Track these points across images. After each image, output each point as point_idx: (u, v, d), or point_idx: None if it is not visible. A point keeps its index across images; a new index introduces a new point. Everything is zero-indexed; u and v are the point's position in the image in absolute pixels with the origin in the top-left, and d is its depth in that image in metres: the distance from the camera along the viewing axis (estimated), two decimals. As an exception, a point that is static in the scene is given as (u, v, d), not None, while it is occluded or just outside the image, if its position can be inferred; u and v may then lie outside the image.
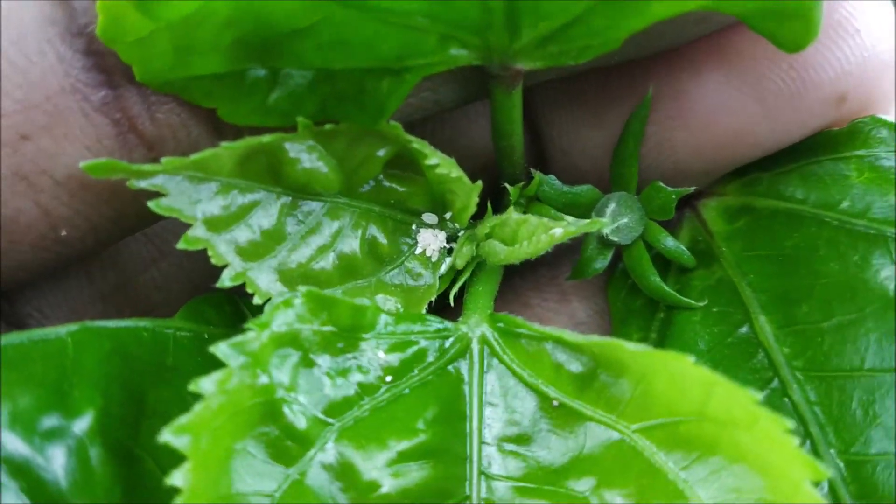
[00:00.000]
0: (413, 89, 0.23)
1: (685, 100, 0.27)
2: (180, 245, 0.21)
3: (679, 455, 0.20)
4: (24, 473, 0.20)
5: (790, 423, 0.20)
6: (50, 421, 0.20)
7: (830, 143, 0.26)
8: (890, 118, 0.26)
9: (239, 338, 0.20)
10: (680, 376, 0.20)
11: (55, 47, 0.22)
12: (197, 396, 0.19)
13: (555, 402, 0.22)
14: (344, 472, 0.21)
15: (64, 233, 0.24)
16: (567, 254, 0.28)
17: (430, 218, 0.24)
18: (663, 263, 0.27)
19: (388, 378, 0.22)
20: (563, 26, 0.21)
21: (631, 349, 0.21)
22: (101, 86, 0.23)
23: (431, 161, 0.22)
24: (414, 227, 0.24)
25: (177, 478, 0.18)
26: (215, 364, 0.20)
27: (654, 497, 0.20)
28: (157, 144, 0.24)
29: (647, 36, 0.25)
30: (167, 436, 0.18)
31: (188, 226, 0.21)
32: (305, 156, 0.22)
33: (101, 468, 0.21)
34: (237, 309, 0.24)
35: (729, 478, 0.20)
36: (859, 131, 0.26)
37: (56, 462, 0.20)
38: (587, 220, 0.22)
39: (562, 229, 0.22)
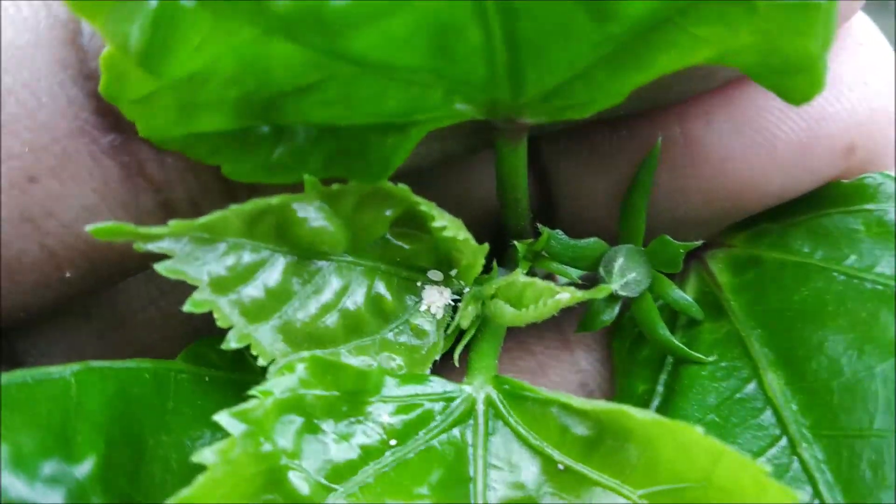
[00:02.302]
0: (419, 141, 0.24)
1: (697, 148, 0.27)
2: (186, 308, 0.21)
3: None
4: None
5: (801, 494, 0.20)
6: (52, 465, 0.21)
7: (839, 195, 0.27)
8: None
9: (242, 406, 0.20)
10: (687, 444, 0.21)
11: (66, 90, 0.23)
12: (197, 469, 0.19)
13: (560, 466, 0.22)
14: None
15: (68, 274, 0.24)
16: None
17: (435, 275, 0.25)
18: (671, 315, 0.28)
19: (393, 442, 0.22)
20: (567, 81, 0.22)
21: (638, 416, 0.21)
22: (110, 129, 0.23)
23: (439, 223, 0.23)
24: (419, 284, 0.25)
25: None
26: (216, 408, 0.21)
27: None
28: (165, 188, 0.24)
29: (655, 89, 0.25)
30: None
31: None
32: (313, 216, 0.22)
33: None
34: (238, 352, 0.24)
35: None
36: (868, 185, 0.26)
37: None
38: (594, 288, 0.22)
39: (568, 294, 0.22)
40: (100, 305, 0.29)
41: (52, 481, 0.20)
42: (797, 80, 0.22)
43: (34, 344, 0.29)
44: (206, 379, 0.23)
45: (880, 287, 0.25)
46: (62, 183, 0.23)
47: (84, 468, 0.21)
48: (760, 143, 0.26)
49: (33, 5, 0.23)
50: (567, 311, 0.30)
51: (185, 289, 0.22)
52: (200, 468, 0.20)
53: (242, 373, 0.23)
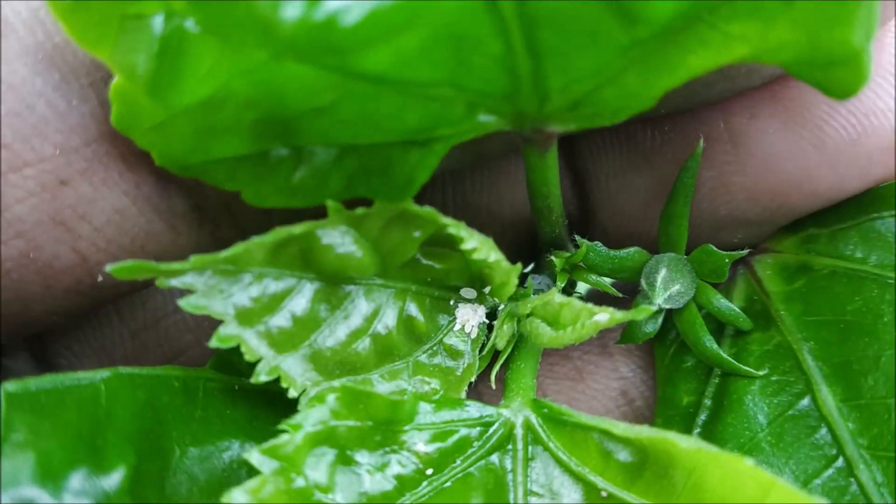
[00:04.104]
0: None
1: (742, 144, 0.26)
2: (213, 344, 0.21)
3: None
4: None
5: None
6: (80, 477, 0.20)
7: (892, 197, 0.25)
8: None
9: (272, 442, 0.20)
10: (735, 473, 0.20)
11: (97, 92, 0.22)
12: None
13: (603, 493, 0.21)
14: None
15: (100, 278, 0.24)
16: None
17: (468, 293, 0.24)
18: (717, 325, 0.27)
19: (429, 471, 0.22)
20: (594, 88, 0.20)
21: (683, 445, 0.20)
22: None
23: (469, 244, 0.22)
24: (452, 302, 0.24)
25: None
26: (245, 417, 0.20)
27: None
28: (198, 191, 0.24)
29: (698, 87, 0.24)
30: None
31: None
32: (339, 241, 0.22)
33: None
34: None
35: None
36: None
37: None
38: (634, 309, 0.22)
39: (608, 315, 0.22)
40: (132, 307, 0.29)
41: (79, 493, 0.20)
42: (840, 73, 0.21)
43: (67, 346, 0.29)
44: (236, 388, 0.23)
45: None
46: (94, 186, 0.22)
47: (113, 480, 0.21)
48: (808, 139, 0.25)
49: None
50: (608, 334, 0.30)
51: None
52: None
53: (272, 382, 0.23)
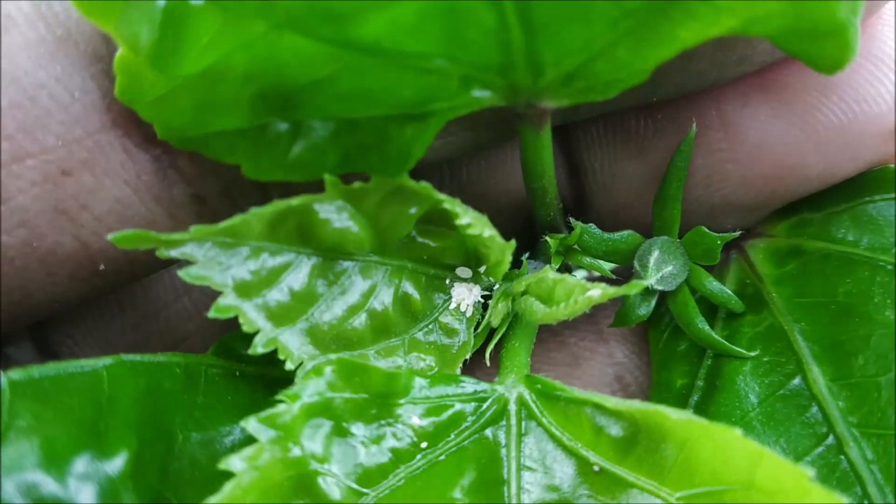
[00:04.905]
0: (442, 132, 0.23)
1: (734, 131, 0.26)
2: (211, 314, 0.21)
3: None
4: None
5: (849, 495, 0.20)
6: (83, 461, 0.21)
7: (884, 181, 0.26)
8: None
9: (269, 411, 0.20)
10: (725, 445, 0.20)
11: (98, 84, 0.23)
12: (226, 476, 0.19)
13: (595, 468, 0.22)
14: None
15: (102, 267, 0.24)
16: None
17: (463, 272, 0.24)
18: (709, 308, 0.27)
19: (424, 444, 0.22)
20: (586, 61, 0.21)
21: (674, 417, 0.20)
22: (142, 122, 0.23)
23: (464, 220, 0.22)
24: (448, 281, 0.24)
25: None
26: (246, 403, 0.21)
27: None
28: (198, 180, 0.24)
29: (690, 75, 0.25)
30: None
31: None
32: (335, 216, 0.22)
33: None
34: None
35: None
36: None
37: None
38: (626, 284, 0.22)
39: (600, 291, 0.22)
40: (133, 296, 0.29)
41: (83, 478, 0.20)
42: (827, 45, 0.21)
43: (69, 335, 0.30)
44: (237, 374, 0.23)
45: None
46: (95, 176, 0.23)
47: (115, 464, 0.21)
48: (799, 125, 0.26)
49: (64, 3, 0.23)
50: (602, 304, 0.30)
51: None
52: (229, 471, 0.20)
53: (272, 367, 0.23)
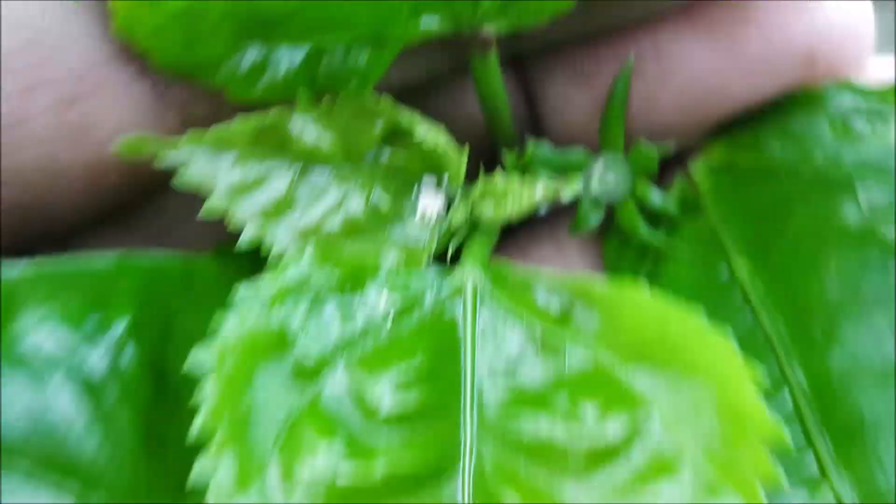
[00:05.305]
0: (401, 61, 0.27)
1: (668, 62, 0.30)
2: (202, 214, 0.25)
3: (644, 373, 0.24)
4: (69, 364, 0.24)
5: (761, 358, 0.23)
6: (94, 320, 0.25)
7: (805, 102, 0.30)
8: (860, 82, 0.29)
9: (255, 283, 0.24)
10: (641, 308, 0.24)
11: (100, 25, 0.27)
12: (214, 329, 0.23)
13: (539, 335, 0.25)
14: (352, 395, 0.24)
15: (111, 183, 0.28)
16: (567, 213, 0.31)
17: (428, 182, 0.28)
18: (654, 219, 0.31)
19: (390, 319, 0.26)
20: None
21: (599, 285, 0.24)
22: (136, 57, 0.27)
23: (419, 133, 0.26)
24: (414, 190, 0.28)
25: (204, 389, 0.22)
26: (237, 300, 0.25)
27: (621, 409, 0.24)
28: (188, 107, 0.28)
29: (621, 10, 0.29)
30: (195, 354, 0.22)
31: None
32: (310, 129, 0.26)
33: (135, 367, 0.25)
34: (257, 255, 0.27)
35: (686, 390, 0.23)
36: (829, 93, 0.29)
37: (97, 356, 0.24)
38: (566, 179, 0.26)
39: (541, 189, 0.26)
40: (142, 219, 0.33)
41: (95, 332, 0.24)
42: None
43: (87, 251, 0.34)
44: (230, 274, 0.27)
45: (841, 180, 0.28)
46: (100, 103, 0.27)
47: (120, 327, 0.25)
48: (725, 54, 0.29)
49: None
50: (563, 225, 0.34)
51: None
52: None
53: (260, 271, 0.27)
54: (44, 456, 0.23)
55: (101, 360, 0.24)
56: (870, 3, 0.30)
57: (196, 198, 0.33)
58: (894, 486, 0.24)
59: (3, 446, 0.22)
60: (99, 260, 0.25)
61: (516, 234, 0.32)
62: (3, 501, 0.22)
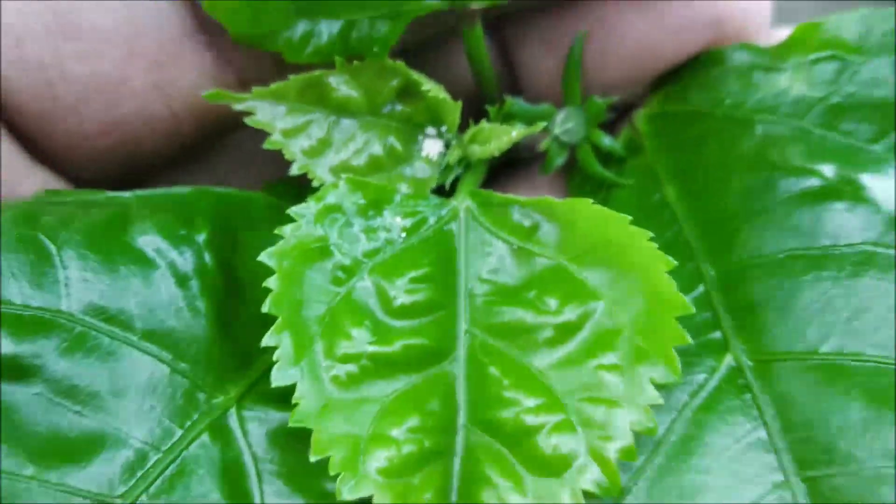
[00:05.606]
0: (412, 30, 0.34)
1: (613, 31, 0.37)
2: (265, 146, 0.32)
3: (592, 270, 0.29)
4: (166, 263, 0.31)
5: (653, 235, 0.30)
6: (182, 232, 0.31)
7: (717, 59, 0.36)
8: (758, 42, 0.36)
9: (304, 204, 0.31)
10: (590, 216, 0.30)
11: (177, 10, 0.34)
12: (278, 237, 0.30)
13: (514, 246, 0.31)
14: (375, 292, 0.30)
15: (185, 128, 0.35)
16: (539, 159, 0.39)
17: (431, 130, 0.35)
18: (606, 158, 0.38)
19: (402, 235, 0.31)
20: None
21: (558, 202, 0.31)
22: (205, 31, 0.34)
23: (425, 87, 0.33)
24: (420, 136, 0.35)
25: (270, 282, 0.27)
26: (286, 222, 0.30)
27: (576, 299, 0.29)
28: (243, 69, 0.35)
29: None
30: (263, 257, 0.28)
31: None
32: (343, 87, 0.33)
33: (213, 266, 0.31)
34: (300, 192, 0.34)
35: (623, 282, 0.29)
36: (734, 52, 0.36)
37: (185, 258, 0.30)
38: (535, 125, 0.34)
39: (516, 132, 0.34)
40: (210, 163, 0.40)
41: (183, 242, 0.30)
42: None
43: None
44: (279, 203, 0.34)
45: (746, 118, 0.34)
46: (179, 67, 0.34)
47: (200, 237, 0.31)
48: (654, 23, 0.36)
49: None
50: (536, 169, 0.40)
51: (267, 153, 0.33)
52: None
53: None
54: (148, 330, 0.29)
55: (187, 262, 0.31)
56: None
57: (247, 153, 0.40)
58: (776, 348, 0.29)
59: (121, 319, 0.29)
60: (182, 190, 0.33)
61: (499, 180, 0.39)
62: (123, 367, 0.30)
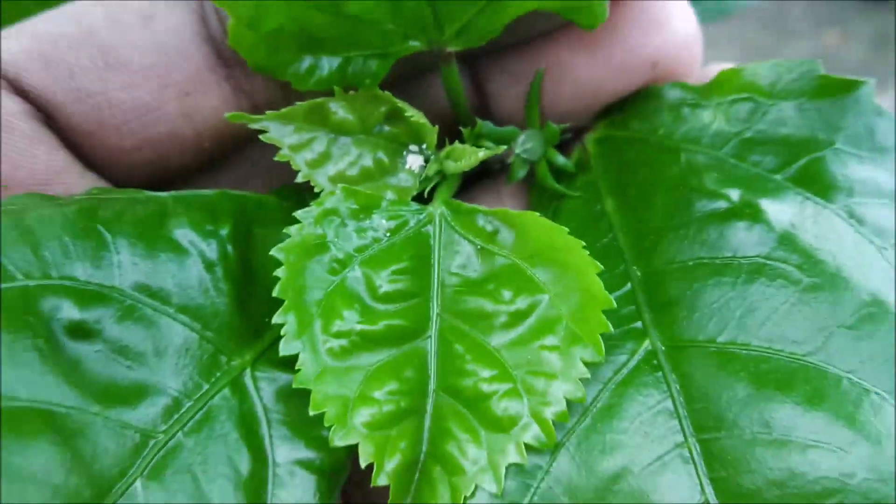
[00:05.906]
0: (398, 66, 0.38)
1: (566, 68, 0.42)
2: (276, 158, 0.37)
3: (540, 269, 0.33)
4: (196, 251, 0.33)
5: (596, 242, 0.37)
6: (209, 227, 0.34)
7: (654, 94, 0.41)
8: (690, 80, 0.42)
9: (307, 208, 0.35)
10: (539, 226, 0.34)
11: (199, 45, 0.38)
12: (286, 235, 0.33)
13: (479, 246, 0.35)
14: (364, 281, 0.34)
15: (207, 145, 0.40)
16: (506, 171, 0.44)
17: (413, 148, 0.38)
18: (559, 174, 0.43)
19: (387, 234, 0.35)
20: (467, 23, 0.35)
21: (514, 213, 0.36)
22: (224, 65, 0.39)
23: (408, 113, 0.38)
24: (404, 152, 0.38)
25: (279, 272, 0.31)
26: (292, 221, 0.33)
27: (527, 292, 0.33)
28: (255, 96, 0.40)
29: (524, 27, 0.40)
30: (274, 252, 0.32)
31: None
32: (340, 111, 0.38)
33: (232, 257, 0.34)
34: (302, 196, 0.38)
35: (564, 280, 0.33)
36: (667, 89, 0.41)
37: (211, 248, 0.34)
38: (500, 147, 0.40)
39: (483, 152, 0.40)
40: (226, 175, 0.44)
41: (210, 235, 0.34)
42: (585, 14, 0.36)
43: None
44: (285, 205, 0.38)
45: (674, 146, 0.39)
46: (203, 95, 0.38)
47: (223, 231, 0.34)
48: (601, 62, 0.41)
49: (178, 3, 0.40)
50: (502, 181, 0.45)
51: (277, 164, 0.37)
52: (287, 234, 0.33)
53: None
54: (182, 304, 0.33)
55: (213, 251, 0.34)
56: (699, 28, 0.41)
57: (262, 165, 0.46)
58: (684, 337, 0.33)
59: (161, 295, 0.34)
60: (209, 192, 0.38)
61: (470, 191, 0.44)
62: (163, 333, 0.36)
